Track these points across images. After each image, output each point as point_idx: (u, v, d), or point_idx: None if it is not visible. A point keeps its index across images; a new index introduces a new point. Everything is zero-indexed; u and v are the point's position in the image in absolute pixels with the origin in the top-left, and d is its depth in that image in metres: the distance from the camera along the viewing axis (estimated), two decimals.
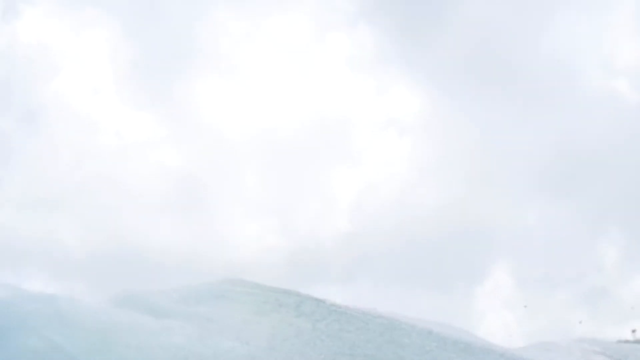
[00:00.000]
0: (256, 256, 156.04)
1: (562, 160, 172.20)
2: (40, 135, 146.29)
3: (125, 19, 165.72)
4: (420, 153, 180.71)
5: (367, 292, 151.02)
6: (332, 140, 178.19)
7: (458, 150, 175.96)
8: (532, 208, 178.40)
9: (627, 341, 32.60)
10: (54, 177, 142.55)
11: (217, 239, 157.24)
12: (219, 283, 62.06)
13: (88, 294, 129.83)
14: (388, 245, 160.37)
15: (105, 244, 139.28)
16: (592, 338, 32.87)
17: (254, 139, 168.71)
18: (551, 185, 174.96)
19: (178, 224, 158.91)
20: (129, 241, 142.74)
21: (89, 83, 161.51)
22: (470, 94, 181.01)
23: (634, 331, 34.84)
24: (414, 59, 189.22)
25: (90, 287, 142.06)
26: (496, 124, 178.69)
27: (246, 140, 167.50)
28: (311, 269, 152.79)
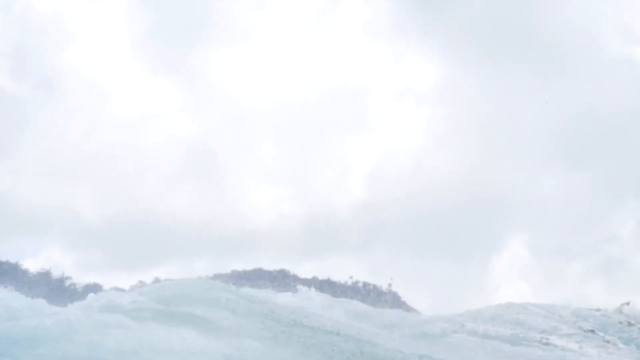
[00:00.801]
0: (271, 224, 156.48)
1: (579, 129, 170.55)
2: (55, 103, 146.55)
3: None
4: (436, 122, 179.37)
5: (382, 262, 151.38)
6: (348, 108, 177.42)
7: (474, 120, 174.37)
8: (548, 178, 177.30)
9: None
10: (70, 145, 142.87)
11: (232, 207, 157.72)
12: None
13: (103, 263, 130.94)
14: (403, 214, 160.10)
15: (120, 212, 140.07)
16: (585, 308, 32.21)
17: (269, 107, 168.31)
18: (568, 154, 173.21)
19: (193, 192, 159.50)
20: (144, 210, 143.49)
21: (104, 51, 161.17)
22: (486, 63, 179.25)
23: (627, 304, 33.86)
24: (431, 27, 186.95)
25: (106, 256, 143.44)
26: (513, 92, 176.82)
27: (261, 109, 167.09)
28: (326, 237, 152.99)
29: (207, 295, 18.95)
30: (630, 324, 29.70)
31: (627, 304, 31.84)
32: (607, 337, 22.48)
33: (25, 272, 78.35)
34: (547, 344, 19.60)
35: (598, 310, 32.93)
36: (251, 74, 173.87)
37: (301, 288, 42.19)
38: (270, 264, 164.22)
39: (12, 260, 79.05)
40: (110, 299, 18.56)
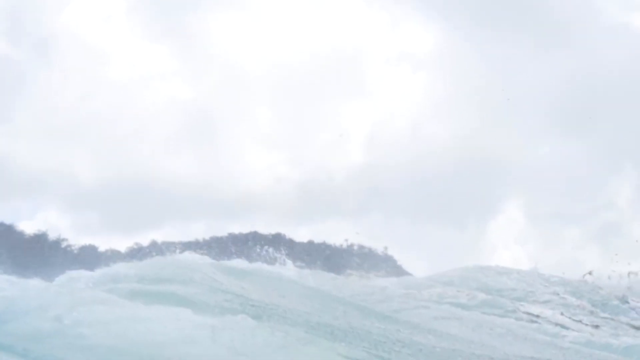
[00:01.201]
0: (267, 186, 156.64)
1: (577, 95, 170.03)
2: (52, 65, 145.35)
3: None
4: (433, 87, 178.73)
5: (378, 226, 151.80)
6: (345, 72, 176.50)
7: (471, 85, 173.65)
8: (545, 143, 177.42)
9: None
10: (65, 108, 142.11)
11: (228, 170, 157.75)
12: None
13: (98, 225, 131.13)
14: (400, 178, 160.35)
15: (117, 175, 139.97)
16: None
17: (266, 71, 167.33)
18: (565, 120, 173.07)
19: (190, 155, 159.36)
20: (140, 173, 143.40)
21: (101, 14, 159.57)
22: (484, 28, 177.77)
23: (590, 273, 33.75)
24: None
25: (103, 218, 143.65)
26: (510, 58, 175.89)
27: (258, 73, 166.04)
28: (322, 201, 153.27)
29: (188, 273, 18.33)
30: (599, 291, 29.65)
31: (590, 273, 31.81)
32: (580, 303, 22.20)
33: (21, 234, 78.48)
34: (515, 311, 19.22)
35: (563, 275, 32.80)
36: (248, 38, 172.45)
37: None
38: (266, 228, 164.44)
39: (8, 221, 79.21)
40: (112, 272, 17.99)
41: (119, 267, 19.56)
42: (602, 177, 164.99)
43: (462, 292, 22.35)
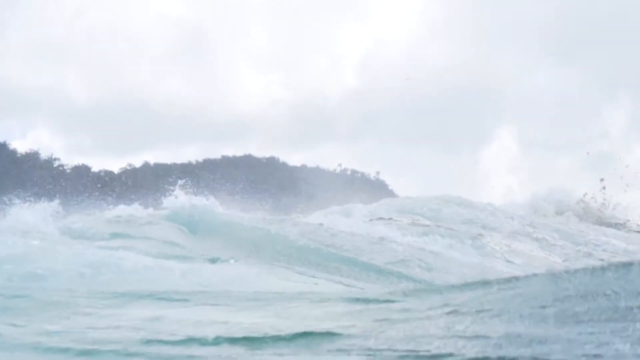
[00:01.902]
0: (261, 109, 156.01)
1: (572, 22, 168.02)
2: None
3: None
4: (429, 11, 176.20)
5: (372, 150, 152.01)
6: None
7: (468, 10, 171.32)
8: (540, 70, 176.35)
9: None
10: (58, 25, 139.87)
11: (222, 91, 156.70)
12: None
13: (91, 145, 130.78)
14: (394, 103, 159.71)
15: (110, 95, 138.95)
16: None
17: None
18: (560, 47, 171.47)
19: (184, 76, 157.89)
20: (133, 93, 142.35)
21: None
22: None
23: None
24: None
25: (95, 138, 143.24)
26: None
27: None
28: (316, 125, 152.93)
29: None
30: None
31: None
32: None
33: (13, 152, 78.25)
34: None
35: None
36: None
37: None
38: (259, 151, 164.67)
39: (0, 140, 78.89)
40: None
41: None
42: (596, 105, 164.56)
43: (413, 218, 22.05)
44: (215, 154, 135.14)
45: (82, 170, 78.23)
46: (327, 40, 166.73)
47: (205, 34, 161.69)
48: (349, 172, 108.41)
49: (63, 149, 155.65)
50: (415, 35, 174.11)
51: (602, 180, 31.40)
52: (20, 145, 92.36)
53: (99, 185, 76.89)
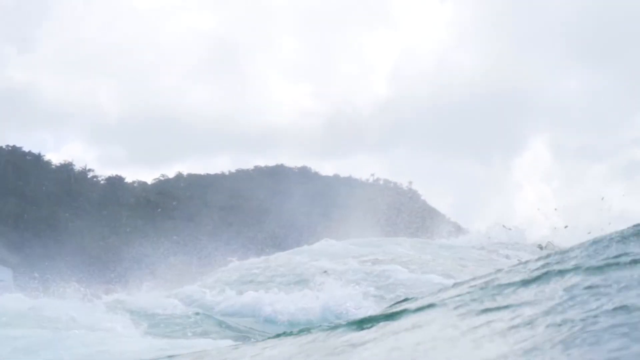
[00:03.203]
0: (292, 120, 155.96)
1: (605, 27, 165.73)
2: None
3: None
4: (459, 19, 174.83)
5: (403, 160, 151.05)
6: (370, 3, 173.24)
7: (498, 17, 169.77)
8: (572, 77, 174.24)
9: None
10: (89, 39, 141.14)
11: (253, 103, 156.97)
12: None
13: (124, 157, 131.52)
14: (425, 112, 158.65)
15: (142, 106, 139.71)
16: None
17: (290, 1, 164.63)
18: (592, 53, 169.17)
19: (214, 87, 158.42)
20: (166, 104, 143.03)
21: None
22: None
23: (507, 228, 31.48)
24: None
25: (128, 150, 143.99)
26: None
27: (283, 3, 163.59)
28: (348, 135, 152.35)
29: None
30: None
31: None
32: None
33: (47, 164, 78.67)
34: None
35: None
36: None
37: None
38: (291, 161, 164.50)
39: (35, 151, 79.39)
40: None
41: None
42: (629, 112, 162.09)
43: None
44: (248, 164, 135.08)
45: (116, 181, 78.44)
46: (357, 50, 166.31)
47: (236, 46, 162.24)
48: (381, 182, 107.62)
49: (96, 161, 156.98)
50: (444, 44, 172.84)
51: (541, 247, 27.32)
52: (54, 157, 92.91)
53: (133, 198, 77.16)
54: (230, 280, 19.42)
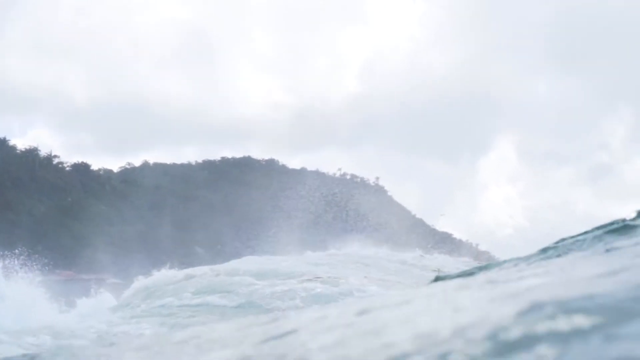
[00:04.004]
0: (262, 112, 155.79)
1: (575, 32, 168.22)
2: None
3: None
4: (432, 18, 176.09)
5: (371, 156, 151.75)
6: None
7: (470, 18, 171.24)
8: (541, 80, 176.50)
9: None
10: (59, 24, 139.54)
11: (223, 93, 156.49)
12: None
13: (90, 144, 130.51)
14: (395, 110, 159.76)
15: (111, 95, 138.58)
16: None
17: None
18: (562, 57, 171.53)
19: (184, 77, 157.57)
20: (134, 93, 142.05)
21: None
22: None
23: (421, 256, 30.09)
24: None
25: (95, 137, 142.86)
26: None
27: None
28: (316, 129, 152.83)
29: None
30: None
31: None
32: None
33: (12, 149, 77.78)
34: None
35: None
36: None
37: None
38: (259, 153, 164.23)
39: (0, 136, 78.39)
40: None
41: None
42: (596, 116, 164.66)
43: None
44: (215, 155, 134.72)
45: (81, 168, 77.92)
46: (329, 46, 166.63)
47: (207, 37, 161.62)
48: (348, 177, 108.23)
49: (63, 147, 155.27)
50: (416, 43, 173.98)
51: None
52: (19, 142, 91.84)
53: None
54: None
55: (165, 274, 17.40)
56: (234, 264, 18.44)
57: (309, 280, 14.07)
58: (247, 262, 18.84)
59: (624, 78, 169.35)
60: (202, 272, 16.67)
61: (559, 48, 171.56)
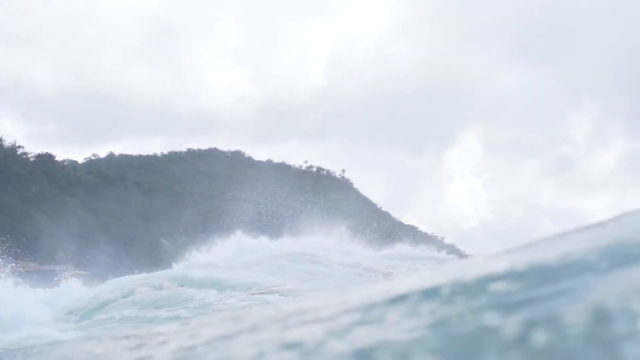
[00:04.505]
0: (228, 104, 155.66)
1: (541, 26, 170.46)
2: None
3: None
4: (400, 10, 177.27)
5: (337, 149, 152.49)
6: None
7: (438, 10, 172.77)
8: (507, 73, 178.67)
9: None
10: (24, 13, 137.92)
11: (189, 84, 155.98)
12: None
13: (55, 135, 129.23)
14: (361, 102, 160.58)
15: (75, 85, 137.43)
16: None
17: None
18: (528, 51, 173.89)
19: (151, 68, 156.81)
20: (99, 84, 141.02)
21: None
22: None
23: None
24: None
25: (58, 128, 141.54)
26: None
27: None
28: (283, 121, 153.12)
29: None
30: None
31: None
32: None
33: None
34: None
35: None
36: None
37: None
38: (225, 145, 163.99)
39: None
40: None
41: None
42: (561, 109, 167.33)
43: None
44: (181, 146, 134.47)
45: (46, 159, 77.30)
46: (297, 37, 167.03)
47: (175, 27, 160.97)
48: (314, 169, 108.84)
49: (27, 138, 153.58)
50: (383, 35, 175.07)
51: None
52: None
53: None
54: None
55: (111, 284, 16.25)
56: (178, 271, 17.04)
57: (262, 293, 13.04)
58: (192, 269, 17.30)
59: (589, 72, 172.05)
60: (144, 285, 15.05)
61: (526, 42, 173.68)
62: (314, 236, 28.52)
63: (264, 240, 27.21)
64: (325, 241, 25.37)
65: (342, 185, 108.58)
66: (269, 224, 51.61)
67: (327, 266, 18.55)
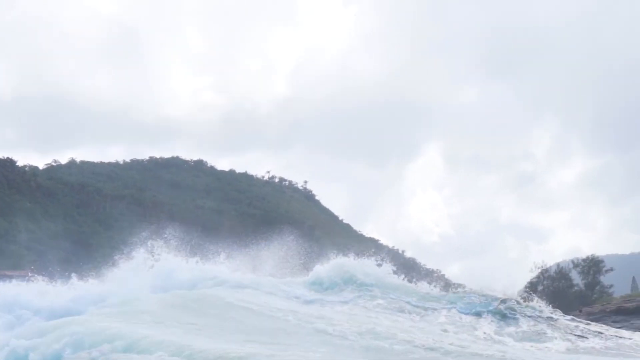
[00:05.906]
0: (190, 112, 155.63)
1: (503, 42, 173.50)
2: None
3: None
4: (363, 22, 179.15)
5: (300, 160, 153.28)
6: (275, 1, 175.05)
7: (401, 23, 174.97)
8: (469, 88, 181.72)
9: None
10: None
11: (151, 92, 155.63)
12: None
13: (15, 140, 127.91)
14: (324, 114, 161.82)
15: (36, 89, 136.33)
16: None
17: None
18: (490, 66, 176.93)
19: (112, 75, 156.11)
20: (60, 88, 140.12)
21: None
22: None
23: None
24: None
25: (18, 133, 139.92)
26: None
27: None
28: (245, 131, 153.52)
29: None
30: None
31: None
32: None
33: None
34: None
35: None
36: None
37: None
38: (187, 154, 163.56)
39: None
40: None
41: None
42: (522, 125, 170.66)
43: None
44: (143, 154, 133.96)
45: (6, 164, 76.66)
46: (260, 47, 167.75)
47: (137, 33, 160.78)
48: (277, 180, 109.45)
49: None
50: (346, 47, 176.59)
51: None
52: None
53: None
54: None
55: None
56: None
57: None
58: None
59: (550, 88, 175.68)
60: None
61: (487, 57, 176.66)
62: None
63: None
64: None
65: (304, 197, 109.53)
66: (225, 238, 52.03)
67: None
